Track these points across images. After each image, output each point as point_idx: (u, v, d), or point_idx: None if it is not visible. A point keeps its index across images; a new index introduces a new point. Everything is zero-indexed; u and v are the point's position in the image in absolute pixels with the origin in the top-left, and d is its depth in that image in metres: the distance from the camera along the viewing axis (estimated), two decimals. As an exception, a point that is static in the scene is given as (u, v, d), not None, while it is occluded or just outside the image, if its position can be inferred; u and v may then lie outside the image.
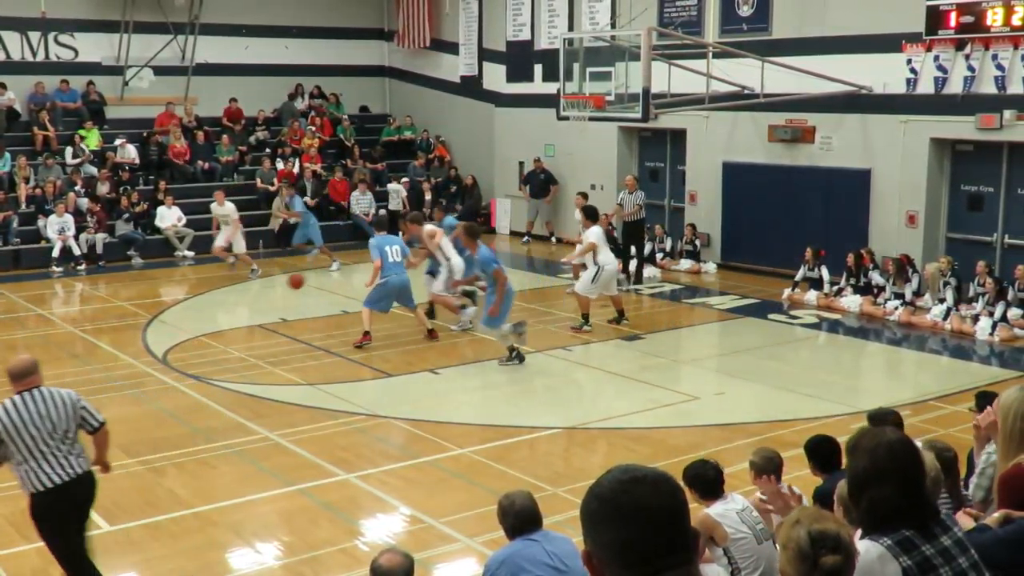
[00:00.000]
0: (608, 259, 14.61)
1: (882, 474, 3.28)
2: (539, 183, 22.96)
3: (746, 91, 17.22)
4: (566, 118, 17.79)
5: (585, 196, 17.86)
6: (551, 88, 19.46)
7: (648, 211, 19.31)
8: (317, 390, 11.93)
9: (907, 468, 3.31)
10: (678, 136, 20.54)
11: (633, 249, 18.37)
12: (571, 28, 21.89)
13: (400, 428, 10.62)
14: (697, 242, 19.59)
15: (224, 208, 19.48)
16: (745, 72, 17.03)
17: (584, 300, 14.62)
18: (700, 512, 6.08)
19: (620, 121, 18.92)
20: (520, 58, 23.76)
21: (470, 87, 25.47)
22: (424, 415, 10.95)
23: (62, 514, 6.68)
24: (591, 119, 17.54)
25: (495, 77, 24.66)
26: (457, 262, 14.40)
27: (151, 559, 7.74)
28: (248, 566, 7.71)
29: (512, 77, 24.12)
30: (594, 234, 14.55)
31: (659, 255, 19.77)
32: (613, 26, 20.46)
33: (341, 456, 9.72)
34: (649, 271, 18.84)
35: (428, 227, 14.90)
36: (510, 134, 24.23)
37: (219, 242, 19.51)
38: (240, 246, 19.43)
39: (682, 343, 15.16)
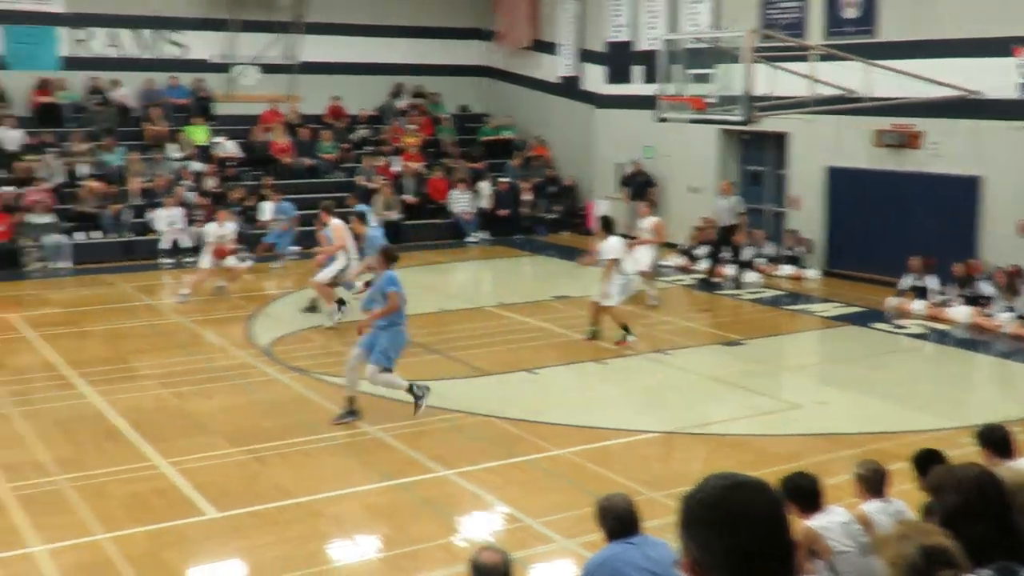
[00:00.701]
0: (629, 267, 14.38)
1: (974, 510, 3.32)
2: (638, 185, 22.85)
3: (851, 95, 16.90)
4: (665, 120, 17.67)
5: (651, 204, 17.62)
6: (650, 90, 19.33)
7: (748, 215, 19.09)
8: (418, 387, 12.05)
9: (998, 503, 3.35)
10: (780, 140, 20.25)
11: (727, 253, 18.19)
12: (671, 29, 21.73)
13: (498, 426, 10.68)
14: (799, 248, 19.30)
15: (223, 228, 17.09)
16: (850, 75, 16.70)
17: (617, 311, 14.22)
18: (802, 524, 5.99)
19: (720, 124, 18.72)
20: (620, 59, 23.68)
21: (569, 88, 25.48)
22: (522, 415, 10.99)
23: None
24: (691, 121, 17.41)
25: (594, 78, 24.62)
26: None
27: (256, 546, 7.91)
28: (349, 558, 7.84)
29: (611, 78, 24.06)
30: (612, 248, 14.09)
31: (760, 260, 19.52)
32: (714, 28, 20.27)
33: (440, 453, 9.81)
34: (750, 276, 18.62)
35: (335, 221, 15.23)
36: (609, 135, 24.17)
37: (205, 264, 16.97)
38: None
39: (783, 350, 14.95)
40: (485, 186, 23.83)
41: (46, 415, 10.98)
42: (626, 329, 14.05)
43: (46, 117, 23.02)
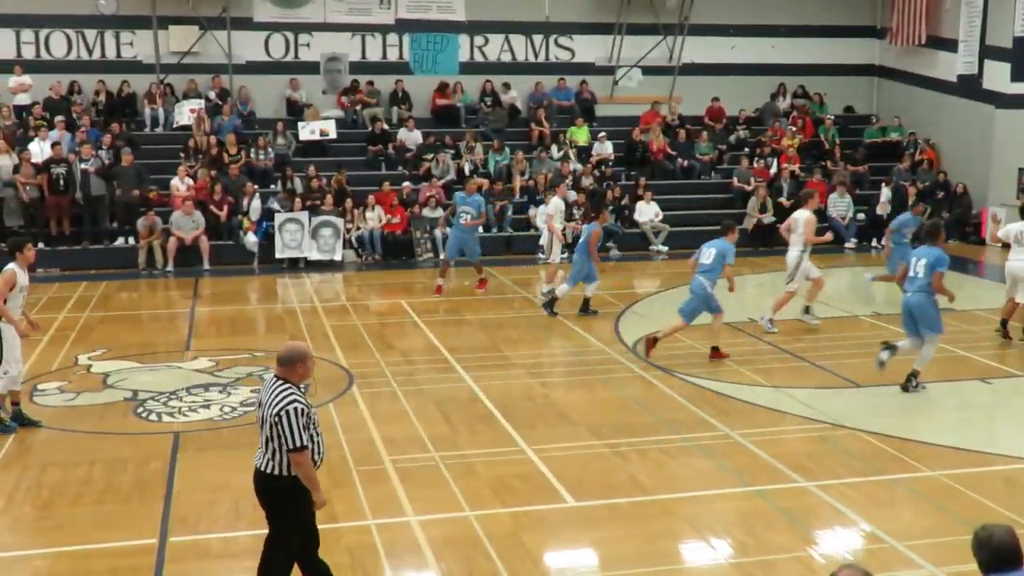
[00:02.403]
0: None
1: None
2: (1041, 192, 20.97)
3: None
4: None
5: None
6: (1063, 88, 17.73)
7: None
8: (782, 393, 11.77)
9: None
10: None
11: None
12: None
13: (866, 441, 10.18)
14: None
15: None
16: None
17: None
18: None
19: None
20: (1028, 55, 21.80)
21: (968, 87, 23.79)
22: (893, 431, 10.40)
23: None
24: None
25: (997, 76, 22.83)
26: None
27: (609, 539, 8.04)
28: (701, 560, 7.77)
29: (1017, 76, 22.19)
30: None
31: None
32: None
33: (802, 463, 9.50)
34: None
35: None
36: (1012, 138, 22.34)
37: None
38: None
39: None
40: (885, 192, 22.74)
41: (427, 395, 11.78)
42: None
43: (443, 118, 24.72)
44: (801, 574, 7.35)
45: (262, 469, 6.45)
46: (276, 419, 6.27)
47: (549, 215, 18.05)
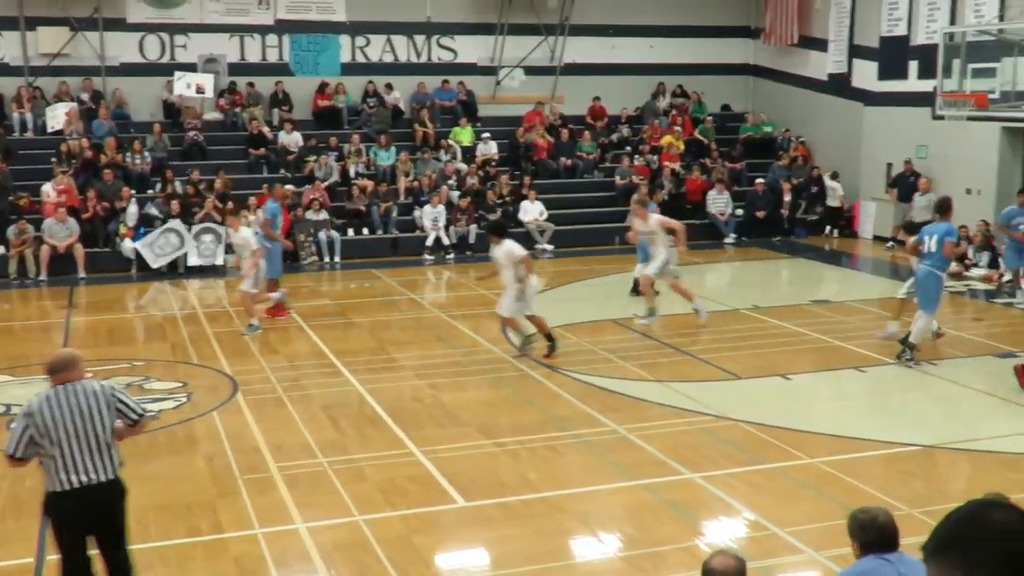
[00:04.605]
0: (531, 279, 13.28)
1: None
2: (908, 186, 21.74)
3: None
4: (942, 117, 16.72)
5: (643, 203, 15.75)
6: (927, 86, 18.44)
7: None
8: (666, 387, 11.98)
9: None
10: (1072, 138, 18.76)
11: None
12: (952, 22, 20.54)
13: (748, 432, 10.43)
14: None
15: (238, 236, 15.23)
16: None
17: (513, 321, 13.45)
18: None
19: (1005, 121, 17.56)
20: (894, 54, 22.59)
21: (838, 85, 24.56)
22: (774, 420, 10.69)
23: (73, 521, 6.23)
24: (970, 119, 16.41)
25: (865, 74, 23.62)
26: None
27: (501, 537, 8.07)
28: (591, 555, 7.86)
29: (884, 74, 22.99)
30: (504, 253, 13.13)
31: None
32: (1001, 19, 18.98)
33: (687, 455, 9.69)
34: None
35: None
36: (879, 134, 23.13)
37: (247, 286, 14.91)
38: (247, 284, 14.92)
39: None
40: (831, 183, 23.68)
41: (315, 400, 11.64)
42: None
43: (325, 119, 24.46)
44: (688, 563, 7.49)
45: (105, 479, 6.20)
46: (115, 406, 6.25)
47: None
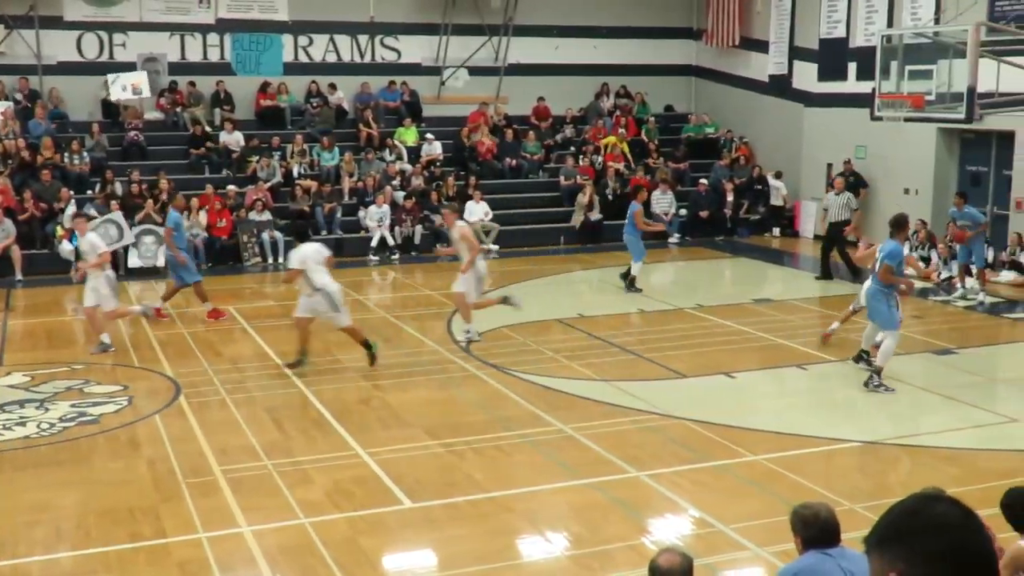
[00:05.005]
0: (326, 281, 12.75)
1: None
2: (849, 186, 22.02)
3: (1087, 90, 15.76)
4: (880, 118, 16.97)
5: (456, 211, 15.18)
6: (865, 87, 18.65)
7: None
8: (612, 386, 12.03)
9: None
10: (1005, 139, 19.13)
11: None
12: (890, 24, 20.87)
13: (693, 430, 10.51)
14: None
15: (84, 242, 14.22)
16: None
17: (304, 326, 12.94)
18: (1015, 543, 5.64)
19: (941, 122, 17.88)
20: (833, 56, 22.91)
21: (779, 86, 24.85)
22: (719, 419, 10.78)
23: None
24: (907, 120, 16.66)
25: (806, 76, 23.92)
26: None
27: (449, 538, 8.06)
28: (539, 554, 7.88)
29: (824, 76, 23.31)
30: (298, 260, 12.87)
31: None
32: (937, 22, 19.33)
33: (633, 454, 9.74)
34: (969, 282, 17.59)
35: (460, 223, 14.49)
36: (819, 135, 23.44)
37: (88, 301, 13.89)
38: (89, 299, 13.87)
39: (1000, 360, 14.10)
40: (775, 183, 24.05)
41: (259, 402, 11.53)
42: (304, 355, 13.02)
43: (267, 119, 24.24)
44: (635, 561, 7.52)
45: None
46: None
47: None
